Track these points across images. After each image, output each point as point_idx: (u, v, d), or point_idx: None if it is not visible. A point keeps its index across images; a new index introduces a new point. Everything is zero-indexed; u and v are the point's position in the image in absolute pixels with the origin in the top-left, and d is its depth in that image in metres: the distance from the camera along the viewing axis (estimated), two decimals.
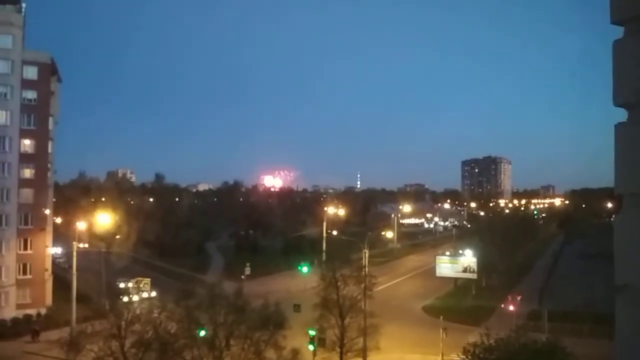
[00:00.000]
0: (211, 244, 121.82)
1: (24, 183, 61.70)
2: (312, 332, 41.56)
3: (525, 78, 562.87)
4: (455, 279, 76.16)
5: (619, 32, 2.79)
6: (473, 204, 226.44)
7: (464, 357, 30.72)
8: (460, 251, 79.95)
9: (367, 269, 47.62)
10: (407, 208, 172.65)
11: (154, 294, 60.41)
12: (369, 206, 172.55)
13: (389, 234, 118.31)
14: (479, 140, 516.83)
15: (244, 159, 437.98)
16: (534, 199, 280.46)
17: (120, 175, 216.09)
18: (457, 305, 63.51)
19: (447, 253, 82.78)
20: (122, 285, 64.15)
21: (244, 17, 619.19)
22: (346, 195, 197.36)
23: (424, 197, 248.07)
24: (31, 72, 62.47)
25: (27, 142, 62.36)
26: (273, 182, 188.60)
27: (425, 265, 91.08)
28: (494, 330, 32.19)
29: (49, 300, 62.18)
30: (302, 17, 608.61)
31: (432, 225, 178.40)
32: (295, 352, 34.95)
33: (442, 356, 44.07)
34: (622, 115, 2.76)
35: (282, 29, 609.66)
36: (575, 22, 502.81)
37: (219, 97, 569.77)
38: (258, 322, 34.58)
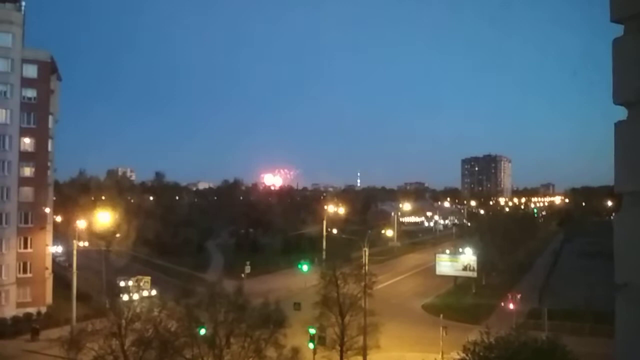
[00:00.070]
0: (211, 243, 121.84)
1: (24, 181, 61.71)
2: (312, 331, 41.57)
3: (525, 76, 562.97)
4: (455, 278, 76.16)
5: (618, 30, 2.78)
6: (473, 203, 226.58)
7: (464, 355, 30.68)
8: (460, 249, 79.92)
9: (367, 267, 47.63)
10: (407, 206, 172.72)
11: (154, 292, 60.44)
12: (369, 205, 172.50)
13: (389, 233, 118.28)
14: (479, 138, 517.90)
15: (244, 158, 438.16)
16: (534, 197, 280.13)
17: (120, 173, 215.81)
18: (457, 303, 63.51)
19: (447, 251, 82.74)
20: (122, 283, 64.17)
21: (243, 15, 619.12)
22: (346, 194, 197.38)
23: (424, 196, 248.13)
24: (31, 71, 62.46)
25: (27, 141, 62.36)
26: (273, 180, 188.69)
27: (425, 263, 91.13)
28: (494, 329, 32.16)
29: (49, 298, 62.24)
30: (301, 15, 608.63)
31: (432, 224, 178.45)
32: (296, 351, 34.98)
33: (442, 354, 44.09)
34: (622, 113, 2.76)
35: (282, 27, 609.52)
36: (575, 20, 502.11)
37: (219, 95, 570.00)
38: (258, 321, 34.60)
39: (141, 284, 65.90)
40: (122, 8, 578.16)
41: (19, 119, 61.06)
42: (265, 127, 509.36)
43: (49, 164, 65.85)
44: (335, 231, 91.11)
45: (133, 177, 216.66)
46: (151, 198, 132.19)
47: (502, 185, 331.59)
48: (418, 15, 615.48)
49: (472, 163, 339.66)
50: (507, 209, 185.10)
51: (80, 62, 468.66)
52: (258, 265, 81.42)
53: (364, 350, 42.11)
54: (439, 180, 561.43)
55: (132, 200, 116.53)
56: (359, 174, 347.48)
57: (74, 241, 56.02)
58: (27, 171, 62.42)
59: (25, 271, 60.88)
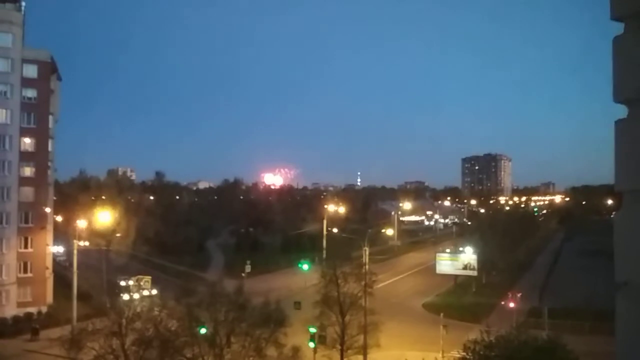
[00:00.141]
0: (211, 242, 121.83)
1: (24, 181, 61.71)
2: (312, 330, 41.60)
3: (525, 75, 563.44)
4: (456, 276, 76.17)
5: (619, 28, 2.78)
6: (473, 201, 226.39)
7: (464, 354, 30.71)
8: (461, 248, 79.99)
9: (367, 267, 47.67)
10: (407, 205, 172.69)
11: (154, 291, 60.49)
12: (369, 204, 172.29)
13: (389, 232, 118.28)
14: (479, 137, 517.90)
15: (244, 157, 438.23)
16: (534, 196, 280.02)
17: (120, 173, 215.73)
18: (458, 302, 63.54)
19: (448, 250, 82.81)
20: (122, 283, 64.27)
21: (243, 14, 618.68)
22: (346, 193, 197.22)
23: (424, 195, 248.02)
24: (31, 71, 62.46)
25: (27, 141, 62.36)
26: (273, 179, 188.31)
27: (425, 262, 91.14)
28: (495, 328, 32.21)
29: (49, 298, 62.27)
30: (301, 14, 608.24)
31: (432, 223, 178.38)
32: (296, 350, 35.01)
33: (443, 353, 44.13)
34: (622, 111, 2.76)
35: (282, 26, 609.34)
36: (575, 18, 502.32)
37: (219, 95, 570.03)
38: (259, 320, 34.64)
39: (142, 283, 65.92)
40: (121, 7, 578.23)
41: (19, 119, 61.06)
42: (265, 126, 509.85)
43: (49, 163, 65.85)
44: (335, 230, 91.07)
45: (133, 177, 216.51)
46: (151, 197, 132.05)
47: (502, 184, 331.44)
48: (419, 14, 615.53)
49: (473, 162, 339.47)
50: (507, 208, 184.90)
51: (80, 62, 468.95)
52: (258, 265, 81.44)
53: (364, 349, 42.13)
54: (439, 179, 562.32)
55: (132, 200, 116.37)
56: (359, 173, 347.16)
57: (74, 241, 56.04)
58: (28, 171, 62.43)
59: (25, 271, 60.90)
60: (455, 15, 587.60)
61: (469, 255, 75.44)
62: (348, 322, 42.28)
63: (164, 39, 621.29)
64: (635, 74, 2.65)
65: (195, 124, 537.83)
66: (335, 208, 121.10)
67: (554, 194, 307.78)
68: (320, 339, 41.82)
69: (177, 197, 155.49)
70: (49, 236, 65.20)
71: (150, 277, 68.39)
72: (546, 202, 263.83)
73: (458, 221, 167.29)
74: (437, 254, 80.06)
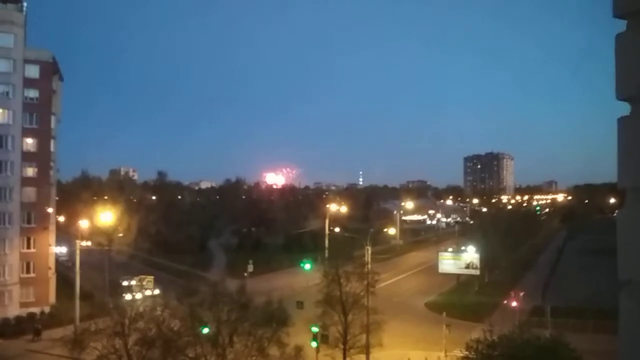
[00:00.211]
0: (213, 242, 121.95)
1: (26, 182, 61.84)
2: (315, 329, 41.62)
3: (527, 73, 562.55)
4: (458, 276, 76.14)
5: (621, 25, 2.77)
6: (475, 200, 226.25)
7: (467, 353, 30.73)
8: (463, 247, 79.96)
9: (369, 266, 47.69)
10: (409, 205, 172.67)
11: (157, 291, 60.55)
12: (371, 203, 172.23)
13: (392, 231, 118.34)
14: (481, 136, 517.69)
15: (246, 157, 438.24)
16: (536, 194, 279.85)
17: (122, 173, 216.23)
18: (460, 301, 63.51)
19: (450, 249, 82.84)
20: (125, 283, 64.34)
21: (245, 13, 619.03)
22: (348, 192, 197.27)
23: (426, 194, 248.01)
24: (33, 71, 62.56)
25: (29, 141, 62.49)
26: (275, 179, 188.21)
27: (427, 261, 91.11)
28: (497, 327, 32.21)
29: (52, 298, 62.39)
30: (303, 13, 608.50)
31: (434, 222, 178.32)
32: (299, 349, 35.02)
33: (445, 352, 44.14)
34: (625, 109, 2.75)
35: (284, 25, 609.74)
36: (578, 16, 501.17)
37: (221, 94, 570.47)
38: (261, 320, 34.66)
39: (144, 283, 65.95)
40: (123, 7, 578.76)
41: (21, 119, 61.19)
42: (267, 126, 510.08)
43: (51, 164, 65.95)
44: (337, 229, 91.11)
45: (135, 177, 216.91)
46: (153, 197, 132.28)
47: (504, 183, 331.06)
48: (420, 14, 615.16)
49: (475, 161, 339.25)
50: (509, 207, 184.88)
51: (82, 62, 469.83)
52: (261, 264, 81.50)
53: (366, 349, 42.15)
54: (441, 178, 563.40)
55: (134, 200, 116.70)
56: (361, 172, 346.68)
57: (77, 241, 56.14)
58: (30, 171, 62.58)
59: (28, 271, 61.03)
60: (457, 14, 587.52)
61: (471, 254, 75.42)
62: (350, 321, 42.29)
63: (166, 39, 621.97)
64: (638, 71, 2.64)
65: (197, 124, 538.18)
66: (337, 207, 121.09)
67: (556, 192, 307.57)
68: (322, 339, 41.85)
69: (179, 197, 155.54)
70: (52, 236, 65.31)
71: (152, 277, 68.45)
72: (548, 201, 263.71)
73: (460, 220, 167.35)
74: (440, 253, 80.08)
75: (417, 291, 73.63)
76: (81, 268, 54.15)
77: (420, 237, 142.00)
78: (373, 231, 71.66)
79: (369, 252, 51.03)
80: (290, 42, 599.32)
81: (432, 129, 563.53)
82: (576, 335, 36.44)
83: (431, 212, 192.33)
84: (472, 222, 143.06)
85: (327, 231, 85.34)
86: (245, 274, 70.11)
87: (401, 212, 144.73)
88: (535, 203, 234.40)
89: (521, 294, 55.91)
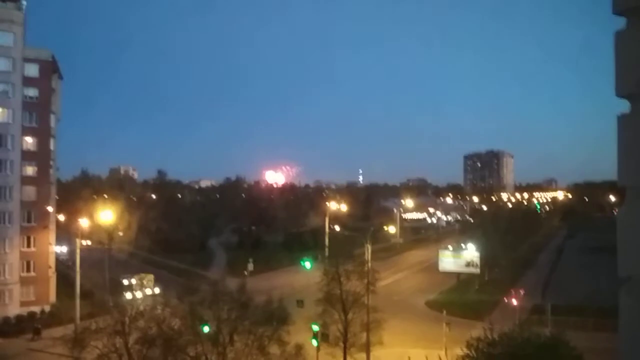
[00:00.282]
0: (214, 240, 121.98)
1: (26, 180, 61.86)
2: (315, 328, 41.61)
3: (527, 71, 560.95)
4: (458, 274, 76.19)
5: (621, 23, 2.76)
6: (475, 198, 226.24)
7: (467, 351, 30.73)
8: (463, 246, 79.98)
9: (370, 264, 47.69)
10: (409, 203, 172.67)
11: (157, 290, 60.63)
12: (372, 201, 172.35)
13: (392, 229, 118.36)
14: (481, 134, 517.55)
15: (246, 155, 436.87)
16: (536, 192, 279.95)
17: (122, 172, 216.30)
18: (460, 299, 63.57)
19: (450, 248, 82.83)
20: (125, 281, 64.42)
21: (245, 11, 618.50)
22: (348, 191, 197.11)
23: (426, 192, 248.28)
24: (32, 70, 62.56)
25: (29, 140, 62.50)
26: (275, 177, 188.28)
27: (428, 260, 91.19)
28: (498, 325, 32.21)
29: (52, 297, 62.43)
30: (303, 11, 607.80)
31: (434, 220, 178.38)
32: (299, 348, 35.00)
33: (446, 351, 44.14)
34: (624, 106, 2.75)
35: (284, 23, 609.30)
36: (577, 13, 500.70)
37: (220, 92, 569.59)
38: (261, 318, 34.64)
39: (144, 282, 66.10)
40: (123, 6, 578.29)
41: (21, 118, 61.20)
42: (267, 124, 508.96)
43: (51, 162, 65.96)
44: (337, 228, 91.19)
45: (135, 176, 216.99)
46: (153, 196, 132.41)
47: (504, 181, 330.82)
48: (419, 13, 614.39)
49: (475, 159, 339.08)
50: (509, 205, 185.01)
51: (82, 61, 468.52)
52: (261, 263, 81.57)
53: (367, 347, 42.16)
54: (441, 176, 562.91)
55: (134, 199, 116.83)
56: (361, 170, 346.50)
57: (77, 239, 56.16)
58: (30, 170, 62.59)
59: (28, 270, 61.07)
60: (456, 13, 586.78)
61: (471, 252, 75.45)
62: (351, 319, 42.29)
63: (166, 38, 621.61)
64: (637, 68, 2.64)
65: (197, 123, 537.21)
66: (337, 206, 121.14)
67: (556, 190, 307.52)
68: (323, 337, 41.85)
69: (179, 196, 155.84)
70: (52, 235, 65.33)
71: (152, 276, 68.57)
72: (549, 199, 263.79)
73: (460, 218, 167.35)
74: (440, 252, 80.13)
75: (418, 289, 73.66)
76: (81, 267, 54.17)
77: (420, 235, 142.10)
78: (373, 229, 71.76)
79: (369, 250, 51.03)
80: (290, 40, 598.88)
81: (432, 127, 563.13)
82: (576, 334, 36.45)
83: (431, 210, 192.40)
84: (472, 220, 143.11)
85: (327, 229, 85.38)
86: (246, 273, 70.17)
87: (401, 210, 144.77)
88: (535, 201, 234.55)
89: (521, 292, 55.91)
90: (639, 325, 2.58)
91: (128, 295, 52.78)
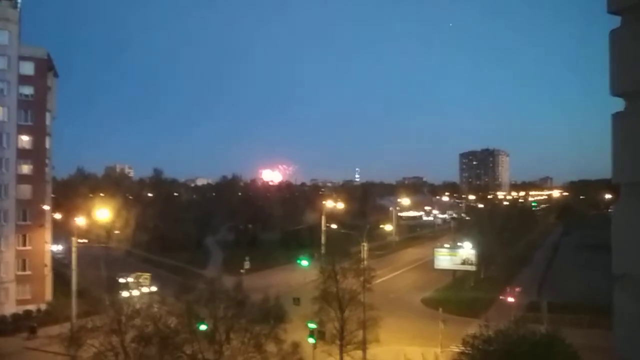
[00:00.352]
0: (210, 238, 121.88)
1: (21, 179, 61.66)
2: (312, 325, 41.64)
3: (523, 70, 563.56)
4: (454, 271, 76.31)
5: (615, 21, 2.78)
6: (471, 197, 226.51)
7: (463, 348, 30.80)
8: (459, 243, 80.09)
9: (366, 262, 47.74)
10: (405, 201, 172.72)
11: (153, 288, 60.50)
12: (368, 199, 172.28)
13: (388, 227, 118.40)
14: (477, 132, 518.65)
15: (242, 154, 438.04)
16: (532, 190, 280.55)
17: (118, 170, 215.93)
18: (456, 297, 63.66)
19: (446, 245, 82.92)
20: (122, 280, 64.26)
21: (242, 11, 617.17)
22: (345, 189, 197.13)
23: (422, 190, 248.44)
24: (28, 68, 62.31)
25: (24, 138, 62.27)
26: (271, 176, 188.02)
27: (424, 257, 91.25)
28: (493, 322, 32.29)
29: (49, 295, 62.28)
30: (300, 11, 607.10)
31: (430, 218, 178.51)
32: (296, 346, 35.00)
33: (442, 348, 44.22)
34: (619, 105, 2.76)
35: (281, 22, 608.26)
36: (572, 12, 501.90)
37: (216, 91, 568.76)
38: (258, 316, 34.63)
39: (141, 280, 65.95)
40: (119, 3, 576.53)
41: (16, 116, 60.97)
42: (263, 122, 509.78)
43: (46, 161, 65.77)
44: (334, 226, 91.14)
45: (131, 174, 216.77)
46: (149, 194, 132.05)
47: (500, 179, 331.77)
48: (416, 12, 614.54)
49: (470, 157, 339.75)
50: (505, 203, 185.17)
51: (78, 59, 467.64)
52: (257, 261, 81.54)
53: (363, 345, 42.20)
54: (437, 175, 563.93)
55: (130, 197, 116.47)
56: (357, 168, 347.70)
57: (73, 238, 56.00)
58: (25, 169, 62.40)
59: (24, 268, 60.92)
60: (452, 12, 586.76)
61: (467, 250, 75.57)
62: (347, 317, 42.31)
63: (161, 35, 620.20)
64: (632, 67, 2.66)
65: (193, 121, 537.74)
66: (333, 204, 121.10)
67: (552, 188, 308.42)
68: (319, 335, 41.88)
69: (176, 194, 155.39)
70: (47, 234, 65.18)
71: (149, 274, 68.40)
72: (544, 197, 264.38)
73: (456, 216, 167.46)
74: (436, 249, 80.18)
75: (414, 287, 73.75)
76: (78, 265, 54.00)
77: (416, 233, 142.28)
78: (369, 227, 71.76)
79: (365, 248, 51.08)
80: (287, 39, 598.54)
81: (428, 125, 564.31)
82: (572, 331, 36.55)
83: (427, 208, 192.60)
84: (468, 218, 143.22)
85: (323, 227, 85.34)
86: (242, 271, 70.17)
87: (397, 208, 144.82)
88: (531, 199, 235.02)
89: (517, 289, 56.09)
90: (634, 323, 2.60)
91: (124, 294, 52.58)
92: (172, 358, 33.09)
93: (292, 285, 63.49)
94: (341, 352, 41.48)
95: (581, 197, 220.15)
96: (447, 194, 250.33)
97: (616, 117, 2.75)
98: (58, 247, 77.12)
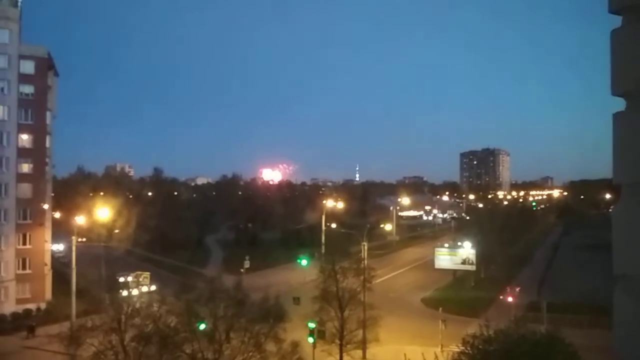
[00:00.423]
0: (210, 238, 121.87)
1: (22, 178, 61.64)
2: (311, 325, 41.64)
3: (523, 69, 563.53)
4: (454, 271, 76.33)
5: (617, 21, 2.77)
6: (472, 196, 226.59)
7: (463, 348, 30.76)
8: (459, 243, 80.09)
9: (366, 262, 47.74)
10: (405, 200, 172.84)
11: (153, 287, 60.49)
12: (368, 199, 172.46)
13: (388, 227, 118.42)
14: (478, 132, 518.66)
15: (243, 153, 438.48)
16: (532, 190, 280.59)
17: (118, 169, 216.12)
18: (456, 296, 63.66)
19: (446, 245, 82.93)
20: (121, 279, 64.28)
21: (241, 9, 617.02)
22: (345, 188, 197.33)
23: (422, 190, 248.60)
24: (28, 67, 62.26)
25: (24, 137, 62.24)
26: (272, 175, 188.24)
27: (424, 257, 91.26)
28: (493, 322, 32.24)
29: (48, 294, 62.27)
30: (300, 11, 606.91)
31: (430, 218, 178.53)
32: (295, 345, 34.99)
33: (442, 347, 44.17)
34: (620, 105, 2.76)
35: (281, 21, 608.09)
36: (573, 11, 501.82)
37: (216, 90, 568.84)
38: (258, 315, 34.61)
39: (140, 279, 65.97)
40: (119, 2, 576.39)
41: (16, 115, 60.95)
42: (263, 121, 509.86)
43: (46, 160, 65.75)
44: (334, 225, 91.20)
45: (131, 173, 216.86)
46: (149, 193, 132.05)
47: (500, 179, 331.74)
48: (416, 10, 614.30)
49: (471, 157, 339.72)
50: (506, 203, 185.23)
51: (78, 58, 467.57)
52: (257, 260, 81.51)
53: (363, 344, 42.24)
54: (437, 174, 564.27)
55: (130, 196, 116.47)
56: (357, 168, 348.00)
57: (73, 237, 55.99)
58: (25, 167, 62.36)
59: (24, 267, 60.91)
60: (453, 11, 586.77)
61: (467, 249, 75.57)
62: (347, 317, 42.33)
63: (162, 34, 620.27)
64: (633, 66, 2.65)
65: (193, 120, 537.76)
66: (333, 203, 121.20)
67: (552, 188, 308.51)
68: (319, 334, 41.89)
69: (176, 193, 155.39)
70: (47, 233, 65.18)
71: (149, 273, 68.41)
72: (544, 197, 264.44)
73: (456, 216, 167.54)
74: (436, 249, 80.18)
75: (414, 287, 73.74)
76: (77, 264, 53.99)
77: (416, 233, 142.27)
78: (369, 227, 71.75)
79: (366, 247, 51.08)
80: (287, 38, 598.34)
81: (429, 125, 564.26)
82: (572, 331, 36.51)
83: (427, 208, 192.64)
84: (468, 217, 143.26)
85: (323, 227, 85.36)
86: (242, 270, 70.15)
87: (397, 208, 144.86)
88: (531, 199, 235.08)
89: (517, 289, 56.02)
90: (634, 323, 2.59)
91: (124, 293, 52.56)
92: (172, 357, 33.06)
93: (292, 285, 63.50)
94: (341, 352, 41.50)
95: (581, 197, 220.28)
96: (447, 193, 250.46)
97: (617, 116, 2.74)
98: (58, 247, 77.13)
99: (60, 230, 73.58)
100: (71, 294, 51.81)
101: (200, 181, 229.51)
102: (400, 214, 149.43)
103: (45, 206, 65.05)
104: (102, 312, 36.66)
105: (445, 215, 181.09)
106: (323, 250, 70.30)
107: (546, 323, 41.01)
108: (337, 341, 41.53)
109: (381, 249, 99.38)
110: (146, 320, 34.24)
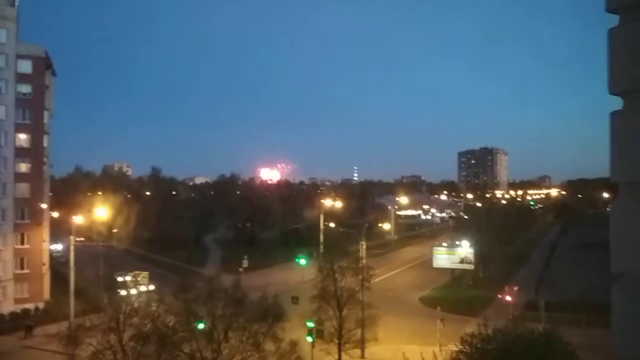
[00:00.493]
0: (209, 237, 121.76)
1: (20, 177, 61.53)
2: (310, 324, 41.64)
3: (521, 69, 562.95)
4: (452, 270, 76.36)
5: (613, 20, 2.78)
6: (470, 195, 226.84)
7: (461, 347, 30.79)
8: (457, 242, 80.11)
9: (364, 261, 47.74)
10: (404, 200, 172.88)
11: (152, 287, 60.44)
12: (366, 198, 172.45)
13: (386, 226, 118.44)
14: (475, 131, 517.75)
15: (241, 152, 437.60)
16: (530, 189, 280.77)
17: (116, 168, 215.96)
18: (455, 296, 63.67)
19: (444, 244, 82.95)
20: (120, 278, 64.20)
21: (240, 10, 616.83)
22: (343, 188, 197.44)
23: (420, 189, 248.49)
24: (25, 66, 62.12)
25: (22, 137, 62.12)
26: (270, 174, 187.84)
27: (422, 256, 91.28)
28: (492, 321, 32.27)
29: (47, 294, 62.19)
30: (300, 11, 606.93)
31: (429, 217, 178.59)
32: (294, 344, 34.98)
33: (440, 346, 44.24)
34: (617, 103, 2.76)
35: (279, 22, 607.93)
36: (570, 10, 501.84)
37: (214, 90, 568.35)
38: (256, 315, 34.59)
39: (139, 278, 65.92)
40: (117, 1, 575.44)
41: (14, 114, 60.83)
42: (261, 121, 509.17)
43: (44, 159, 65.60)
44: (332, 225, 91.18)
45: (129, 172, 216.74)
46: (148, 193, 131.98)
47: (498, 178, 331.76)
48: (415, 11, 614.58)
49: (469, 156, 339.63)
50: (503, 202, 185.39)
51: (75, 57, 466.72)
52: (256, 259, 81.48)
53: (362, 343, 42.26)
54: (435, 173, 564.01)
55: (128, 196, 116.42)
56: (355, 167, 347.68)
57: (71, 237, 55.93)
58: (23, 167, 62.24)
59: (22, 267, 60.80)
60: (450, 10, 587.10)
61: (465, 249, 75.60)
62: (345, 316, 42.34)
63: (160, 34, 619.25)
64: (630, 65, 2.65)
65: (191, 119, 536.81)
66: (332, 203, 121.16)
67: (550, 187, 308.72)
68: (318, 333, 41.89)
69: (174, 193, 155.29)
70: (45, 232, 65.05)
71: (147, 273, 68.36)
72: (542, 196, 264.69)
73: (455, 215, 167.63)
74: (434, 248, 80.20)
75: (412, 286, 73.77)
76: (75, 264, 53.94)
77: (414, 232, 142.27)
78: (368, 226, 71.73)
79: (364, 247, 51.10)
80: (285, 38, 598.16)
81: (427, 124, 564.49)
82: (570, 329, 36.53)
83: (425, 207, 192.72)
84: (466, 217, 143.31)
85: (322, 226, 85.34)
86: (240, 269, 70.13)
87: (396, 207, 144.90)
88: (529, 198, 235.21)
89: (515, 288, 56.05)
90: (632, 321, 2.60)
91: (122, 292, 52.50)
92: (170, 356, 33.05)
93: (290, 284, 63.50)
94: (339, 351, 41.52)
95: (579, 195, 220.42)
96: (445, 192, 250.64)
97: (614, 115, 2.75)
98: (56, 246, 77.00)
99: (59, 230, 73.50)
100: (69, 293, 51.79)
101: (199, 180, 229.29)
102: (398, 213, 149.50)
103: (44, 206, 64.92)
104: (100, 312, 36.64)
105: (444, 214, 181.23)
106: (321, 250, 70.28)
107: (544, 322, 41.08)
108: (336, 340, 41.54)
109: (379, 248, 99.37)
110: (144, 319, 34.21)
